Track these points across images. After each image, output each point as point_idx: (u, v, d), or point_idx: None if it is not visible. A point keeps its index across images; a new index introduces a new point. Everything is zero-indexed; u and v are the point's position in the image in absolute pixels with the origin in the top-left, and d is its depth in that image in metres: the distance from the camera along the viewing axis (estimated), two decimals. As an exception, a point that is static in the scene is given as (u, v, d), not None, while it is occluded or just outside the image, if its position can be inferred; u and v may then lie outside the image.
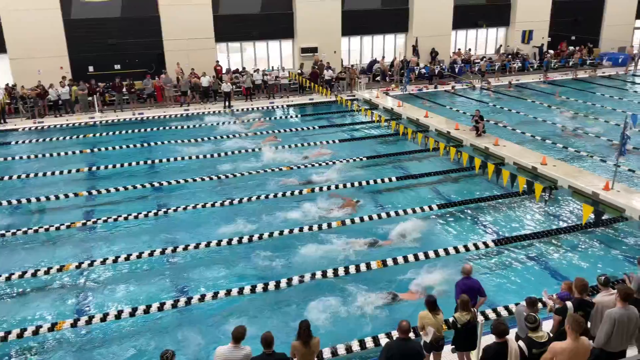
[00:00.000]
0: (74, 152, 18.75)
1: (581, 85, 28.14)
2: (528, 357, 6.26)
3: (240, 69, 27.57)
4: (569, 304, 7.01)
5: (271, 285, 10.20)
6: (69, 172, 16.74)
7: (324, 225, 12.69)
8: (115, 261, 11.25)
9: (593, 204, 12.99)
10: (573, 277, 7.91)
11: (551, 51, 33.02)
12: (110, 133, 21.03)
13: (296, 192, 14.70)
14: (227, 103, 24.52)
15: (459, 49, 32.14)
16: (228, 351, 6.41)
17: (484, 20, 32.33)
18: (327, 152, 18.03)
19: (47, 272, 10.88)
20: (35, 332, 8.99)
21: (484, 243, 11.65)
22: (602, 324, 6.57)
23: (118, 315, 9.37)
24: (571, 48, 33.42)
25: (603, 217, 12.48)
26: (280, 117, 23.38)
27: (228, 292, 9.96)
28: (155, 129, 21.56)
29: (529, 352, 6.26)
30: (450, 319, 7.37)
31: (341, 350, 8.29)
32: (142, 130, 21.39)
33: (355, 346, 8.37)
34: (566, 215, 13.30)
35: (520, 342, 6.37)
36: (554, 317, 7.17)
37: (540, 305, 7.93)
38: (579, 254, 11.34)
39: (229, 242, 11.94)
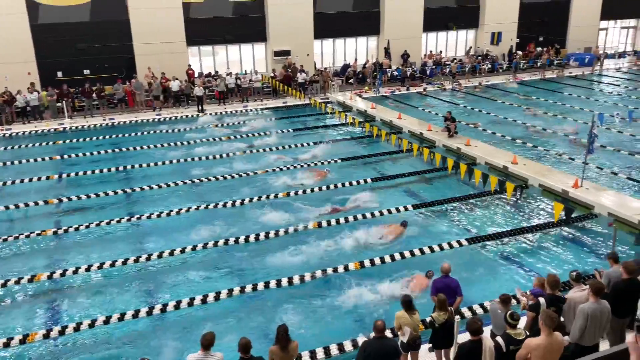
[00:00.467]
0: (43, 159, 18.37)
1: (549, 85, 28.75)
2: (505, 353, 6.35)
3: (213, 73, 27.39)
4: (541, 300, 7.15)
5: (248, 289, 10.15)
6: (39, 179, 16.37)
7: (300, 227, 12.69)
8: (88, 270, 11.04)
9: (563, 201, 13.28)
10: (545, 273, 8.09)
11: (520, 52, 33.68)
12: (81, 139, 20.66)
13: (272, 196, 14.66)
14: (200, 107, 24.34)
15: (431, 51, 32.49)
16: (199, 358, 6.37)
17: (453, 23, 32.78)
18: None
19: (17, 282, 10.62)
20: (7, 345, 8.76)
21: (458, 242, 11.78)
22: (576, 319, 6.71)
23: (92, 324, 9.20)
24: (539, 49, 34.12)
25: (573, 215, 12.75)
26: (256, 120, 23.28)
27: (204, 298, 9.86)
28: (126, 134, 21.26)
29: (506, 348, 6.35)
30: (428, 319, 7.44)
31: (320, 354, 8.29)
32: (114, 136, 21.07)
33: (334, 350, 8.38)
34: (537, 213, 13.54)
35: (499, 338, 6.46)
36: (527, 314, 7.31)
37: (514, 302, 8.07)
38: (551, 251, 11.56)
39: (205, 247, 11.84)
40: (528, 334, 6.57)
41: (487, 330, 7.03)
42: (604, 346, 7.25)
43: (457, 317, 7.59)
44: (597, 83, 29.78)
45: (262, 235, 12.33)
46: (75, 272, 10.97)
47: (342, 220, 13.05)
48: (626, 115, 20.08)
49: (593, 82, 29.97)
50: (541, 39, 34.36)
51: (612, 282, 7.67)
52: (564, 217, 12.55)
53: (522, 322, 7.22)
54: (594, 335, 6.74)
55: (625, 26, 38.58)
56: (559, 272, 7.65)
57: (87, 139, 20.72)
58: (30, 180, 16.30)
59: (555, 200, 13.08)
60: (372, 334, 6.75)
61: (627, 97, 25.54)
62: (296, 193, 14.87)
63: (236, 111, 24.65)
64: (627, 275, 7.45)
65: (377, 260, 11.02)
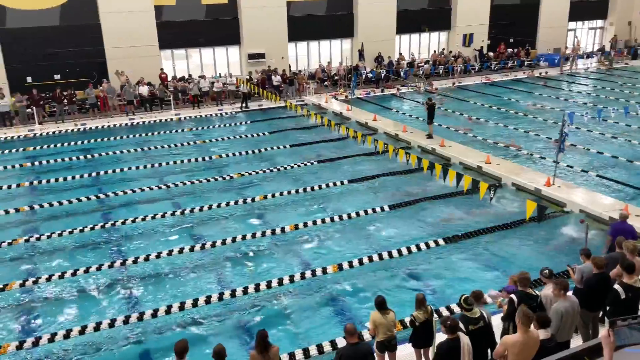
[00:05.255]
0: (13, 167, 17.97)
1: (520, 85, 29.26)
2: (467, 334, 6.52)
3: (187, 77, 27.16)
4: (513, 297, 7.24)
5: (226, 295, 10.09)
6: (9, 187, 16.01)
7: (278, 230, 12.67)
8: (61, 277, 10.84)
9: (536, 199, 13.50)
10: (519, 270, 8.21)
11: (491, 53, 34.23)
12: (52, 145, 20.27)
13: (248, 200, 14.61)
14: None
15: (401, 54, 32.75)
16: None
17: (426, 25, 33.13)
18: None
19: (-12, 293, 10.39)
20: (-23, 358, 8.57)
21: (435, 242, 11.90)
22: (553, 321, 6.82)
23: (67, 335, 9.02)
24: (509, 50, 34.71)
25: (546, 212, 12.97)
26: (236, 124, 23.20)
27: (182, 305, 9.76)
28: (99, 139, 20.93)
29: (466, 329, 6.54)
30: (408, 318, 7.51)
31: (299, 355, 8.30)
32: (86, 141, 20.72)
33: (313, 351, 8.40)
34: (510, 211, 13.71)
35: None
36: (504, 309, 7.41)
37: (489, 300, 8.21)
38: (525, 249, 11.75)
39: (180, 252, 11.74)
40: (484, 313, 6.83)
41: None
42: (577, 341, 7.41)
43: (436, 316, 7.66)
44: (566, 83, 30.40)
45: (239, 238, 12.30)
46: (48, 279, 10.76)
47: (319, 221, 13.09)
48: (595, 114, 20.52)
49: (562, 82, 30.58)
50: (511, 40, 34.97)
51: (584, 277, 7.86)
52: (537, 215, 12.74)
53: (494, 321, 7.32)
54: (567, 332, 6.88)
55: (593, 27, 39.54)
56: (532, 269, 7.79)
57: (59, 144, 20.35)
58: (0, 188, 15.93)
59: (527, 199, 13.28)
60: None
61: (596, 97, 26.13)
62: (273, 196, 14.84)
63: (211, 115, 24.52)
64: (597, 270, 7.65)
65: (356, 262, 11.07)
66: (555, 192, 13.94)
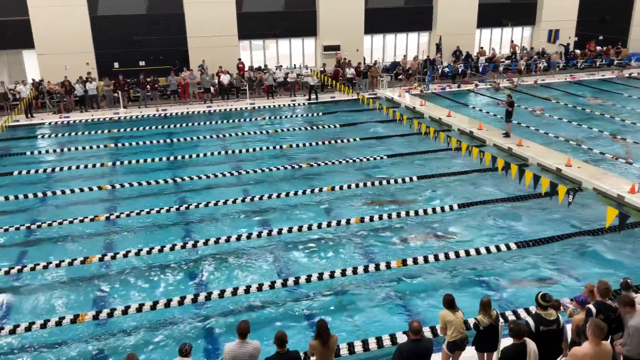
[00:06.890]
0: (98, 147, 19.05)
1: (608, 86, 27.62)
2: (535, 334, 6.29)
3: (263, 67, 27.67)
4: (592, 307, 6.88)
5: (290, 282, 10.25)
6: (94, 166, 17.01)
7: (343, 222, 12.70)
8: (137, 254, 11.41)
9: (618, 206, 12.73)
10: (595, 280, 7.80)
11: (577, 51, 32.52)
12: (134, 128, 21.31)
13: (316, 190, 14.71)
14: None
15: (482, 48, 31.74)
16: (236, 347, 6.49)
17: (509, 19, 31.94)
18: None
19: (70, 264, 11.07)
20: (59, 323, 9.17)
21: (506, 245, 11.51)
22: (632, 338, 6.48)
23: (139, 309, 9.50)
24: (598, 48, 32.82)
25: (628, 221, 12.21)
26: (303, 115, 23.44)
27: (248, 289, 10.02)
28: (178, 125, 21.78)
29: (536, 329, 6.30)
30: (472, 321, 7.34)
31: (358, 347, 8.31)
32: (166, 126, 21.61)
33: (372, 344, 8.38)
34: (590, 218, 13.02)
35: (528, 318, 6.43)
36: (574, 319, 7.09)
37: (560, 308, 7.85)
38: (602, 258, 11.15)
39: (248, 237, 12.03)
40: (560, 317, 6.59)
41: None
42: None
43: (502, 321, 7.43)
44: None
45: (305, 227, 12.43)
46: (125, 255, 11.36)
47: (385, 216, 13.00)
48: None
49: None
50: (601, 37, 33.05)
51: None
52: (618, 223, 12.01)
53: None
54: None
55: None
56: (610, 279, 7.36)
57: (141, 128, 21.36)
58: (86, 166, 16.96)
59: (609, 205, 12.55)
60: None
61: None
62: (341, 188, 14.87)
63: (284, 105, 24.88)
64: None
65: (421, 260, 10.92)
66: (641, 200, 13.11)
